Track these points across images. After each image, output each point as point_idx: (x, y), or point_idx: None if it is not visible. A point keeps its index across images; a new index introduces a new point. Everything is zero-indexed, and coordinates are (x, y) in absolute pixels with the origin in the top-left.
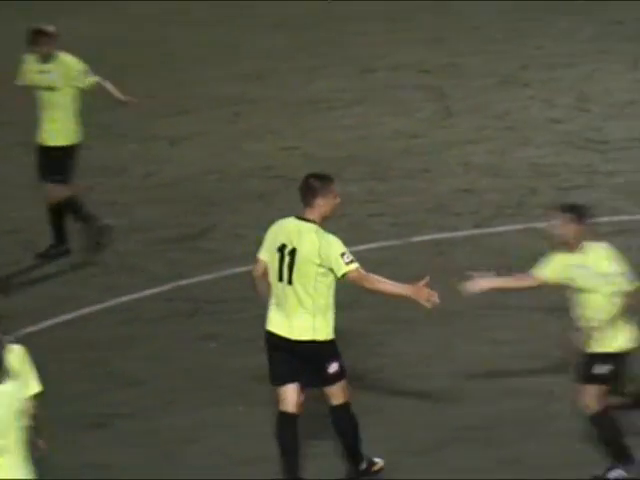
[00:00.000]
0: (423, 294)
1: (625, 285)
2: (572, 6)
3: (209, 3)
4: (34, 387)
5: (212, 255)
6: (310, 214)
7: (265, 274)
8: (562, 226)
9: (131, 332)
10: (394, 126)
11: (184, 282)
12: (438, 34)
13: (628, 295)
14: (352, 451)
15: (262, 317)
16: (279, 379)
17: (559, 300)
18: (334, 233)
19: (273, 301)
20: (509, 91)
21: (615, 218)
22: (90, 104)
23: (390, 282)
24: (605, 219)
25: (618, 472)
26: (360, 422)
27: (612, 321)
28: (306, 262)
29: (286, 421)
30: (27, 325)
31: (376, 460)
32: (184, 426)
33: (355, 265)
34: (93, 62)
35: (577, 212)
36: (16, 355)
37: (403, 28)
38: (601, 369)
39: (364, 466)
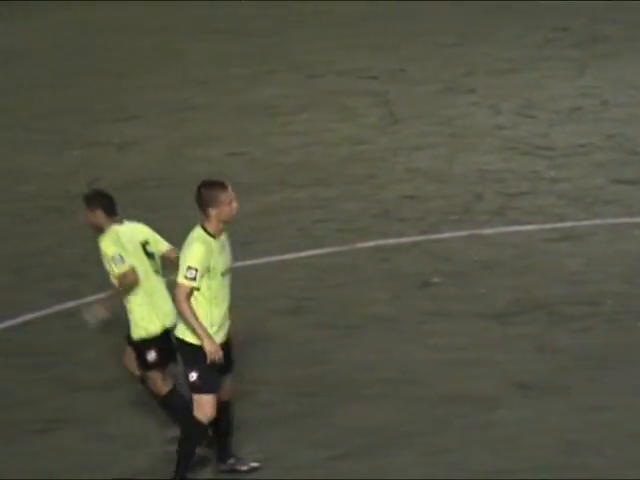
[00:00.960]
0: (212, 348)
1: (116, 268)
2: (519, 12)
3: (156, 10)
4: None
5: None
6: (206, 222)
7: None
8: (90, 215)
9: (76, 337)
10: (340, 132)
11: None
12: (384, 40)
13: (119, 278)
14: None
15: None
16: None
17: (503, 306)
18: (280, 239)
19: None
20: (454, 97)
21: (560, 225)
22: (34, 109)
23: (198, 323)
24: (550, 226)
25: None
26: (300, 426)
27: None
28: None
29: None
30: None
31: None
32: (130, 431)
33: (187, 283)
34: (40, 67)
35: (98, 200)
36: None
37: (349, 34)
38: (149, 356)
39: (231, 461)
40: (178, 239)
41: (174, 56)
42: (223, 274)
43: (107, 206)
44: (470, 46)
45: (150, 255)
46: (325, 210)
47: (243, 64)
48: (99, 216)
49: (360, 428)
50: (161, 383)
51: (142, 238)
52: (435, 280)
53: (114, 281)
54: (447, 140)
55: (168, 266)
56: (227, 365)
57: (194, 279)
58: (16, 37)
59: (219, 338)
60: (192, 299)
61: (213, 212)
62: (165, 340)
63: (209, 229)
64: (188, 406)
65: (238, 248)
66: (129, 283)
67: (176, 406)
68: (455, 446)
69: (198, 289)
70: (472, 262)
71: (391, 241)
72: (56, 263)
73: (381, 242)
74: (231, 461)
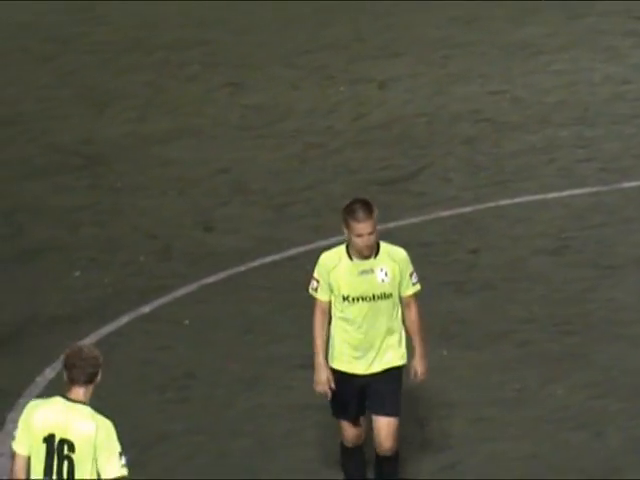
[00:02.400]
0: (316, 378)
1: None
2: None
3: None
4: (114, 470)
5: (421, 198)
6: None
7: None
8: None
9: None
10: (604, 72)
11: (392, 225)
12: None
13: None
14: None
15: (465, 261)
16: None
17: None
18: (541, 178)
19: None
20: None
21: None
22: (296, 46)
23: (314, 343)
24: None
25: None
26: (560, 365)
27: None
28: None
29: None
30: (233, 265)
31: None
32: None
33: (311, 293)
34: (300, 3)
35: None
36: (104, 429)
37: None
38: None
39: None
40: (440, 174)
41: None
42: (357, 299)
43: None
44: None
45: None
46: (588, 149)
47: (507, 3)
48: None
49: (621, 368)
50: None
51: None
52: None
53: None
54: None
55: None
56: (373, 403)
57: (315, 290)
58: None
59: (358, 366)
60: (334, 314)
61: (346, 234)
62: None
63: (350, 248)
64: None
65: (498, 187)
66: None
67: None
68: None
69: (325, 302)
70: None
71: None
72: (319, 199)
73: None
74: None
